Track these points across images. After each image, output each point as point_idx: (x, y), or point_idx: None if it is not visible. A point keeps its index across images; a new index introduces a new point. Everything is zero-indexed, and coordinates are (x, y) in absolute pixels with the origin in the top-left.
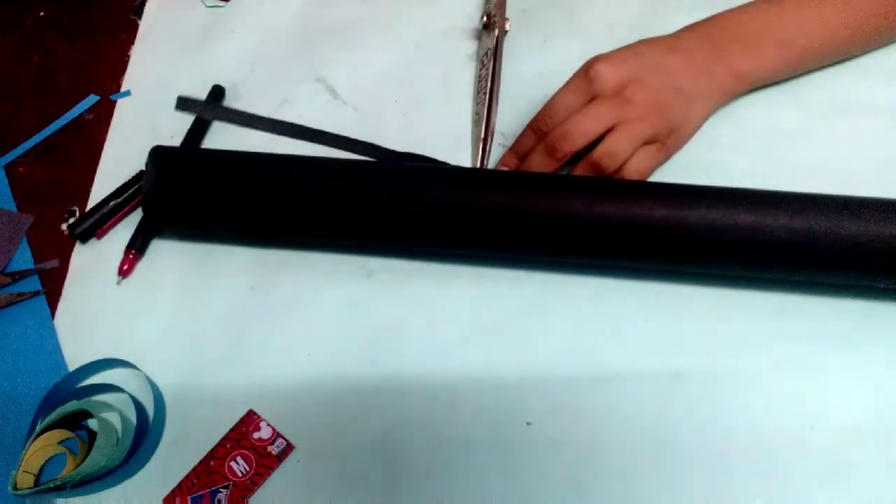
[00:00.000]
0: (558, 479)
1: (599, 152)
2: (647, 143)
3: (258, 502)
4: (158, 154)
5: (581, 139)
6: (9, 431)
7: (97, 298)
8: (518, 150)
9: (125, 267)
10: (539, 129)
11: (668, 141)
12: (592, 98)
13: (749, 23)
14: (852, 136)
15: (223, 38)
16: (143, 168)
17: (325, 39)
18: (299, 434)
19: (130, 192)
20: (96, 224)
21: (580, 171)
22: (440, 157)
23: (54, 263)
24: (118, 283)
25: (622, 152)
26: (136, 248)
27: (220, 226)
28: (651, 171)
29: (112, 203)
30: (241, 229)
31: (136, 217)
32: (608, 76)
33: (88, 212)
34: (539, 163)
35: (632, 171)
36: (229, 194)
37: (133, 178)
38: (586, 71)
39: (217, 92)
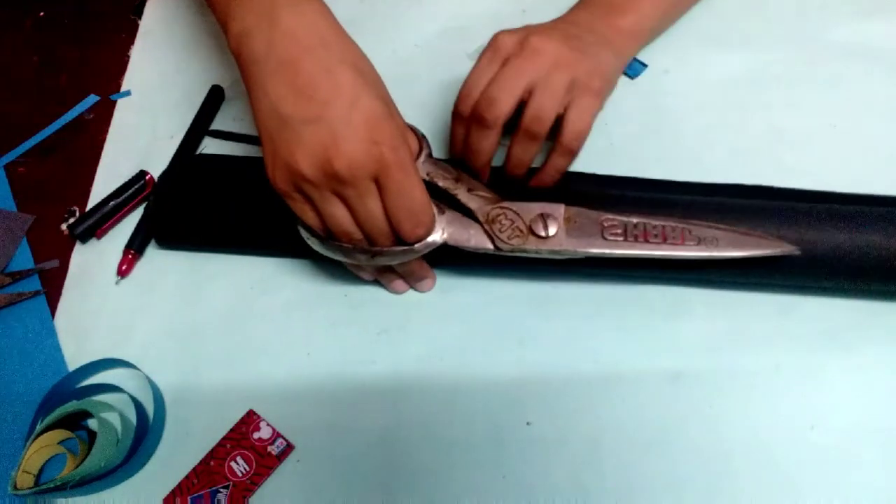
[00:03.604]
0: (558, 479)
1: (527, 118)
2: (570, 91)
3: (258, 502)
4: (164, 180)
5: (507, 99)
6: (9, 431)
7: (97, 298)
8: (455, 144)
9: (124, 267)
10: (461, 111)
11: (593, 84)
12: (503, 64)
13: None
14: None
15: (223, 37)
16: (142, 169)
17: None
18: (299, 434)
19: (130, 192)
20: (96, 224)
21: (518, 145)
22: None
23: (54, 263)
24: (117, 283)
25: (548, 110)
26: (135, 248)
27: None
28: (592, 123)
29: (112, 203)
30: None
31: (135, 217)
32: (509, 37)
33: (88, 212)
34: (477, 140)
35: (571, 132)
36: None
37: (132, 178)
38: (490, 45)
39: (216, 92)
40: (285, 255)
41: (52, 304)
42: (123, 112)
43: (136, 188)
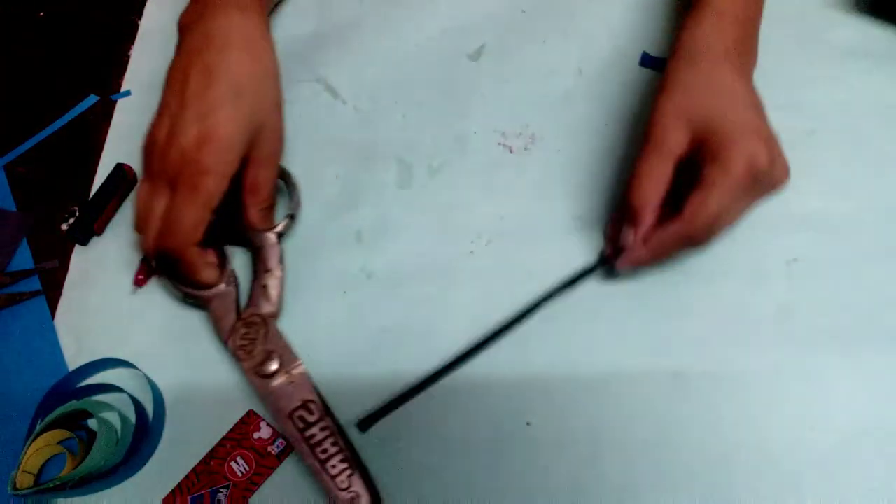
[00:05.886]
0: (558, 479)
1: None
2: None
3: (258, 502)
4: None
5: None
6: (9, 431)
7: (97, 298)
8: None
9: (140, 276)
10: None
11: None
12: None
13: None
14: None
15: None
16: (127, 164)
17: (324, 39)
18: None
19: (114, 185)
20: (91, 224)
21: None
22: (439, 158)
23: (54, 263)
24: (133, 292)
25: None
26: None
27: None
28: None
29: (101, 200)
30: None
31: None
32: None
33: (80, 216)
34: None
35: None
36: None
37: (112, 172)
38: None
39: None
40: None
41: (52, 304)
42: (123, 112)
43: (117, 182)
